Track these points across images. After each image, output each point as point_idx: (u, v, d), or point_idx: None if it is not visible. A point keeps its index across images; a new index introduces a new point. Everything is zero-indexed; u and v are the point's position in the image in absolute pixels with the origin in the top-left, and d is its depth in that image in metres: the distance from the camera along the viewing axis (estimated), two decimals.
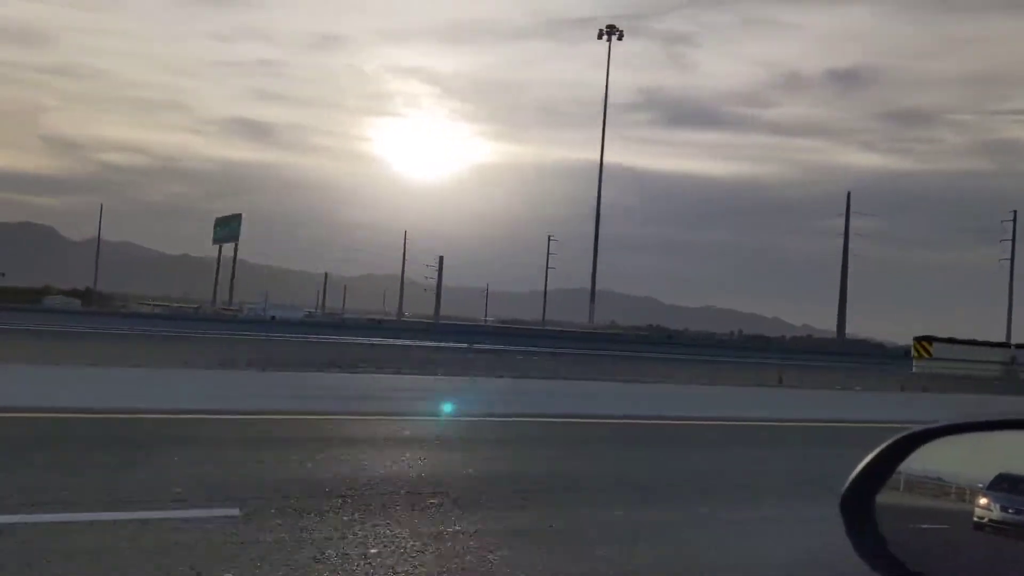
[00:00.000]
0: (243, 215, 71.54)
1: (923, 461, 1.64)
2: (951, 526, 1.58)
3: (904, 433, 1.66)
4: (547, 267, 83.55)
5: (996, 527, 1.51)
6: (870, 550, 1.59)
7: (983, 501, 1.53)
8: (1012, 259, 62.70)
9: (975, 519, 1.53)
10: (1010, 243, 62.97)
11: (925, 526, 1.64)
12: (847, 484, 1.63)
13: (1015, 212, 63.68)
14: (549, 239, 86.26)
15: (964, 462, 1.63)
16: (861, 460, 1.65)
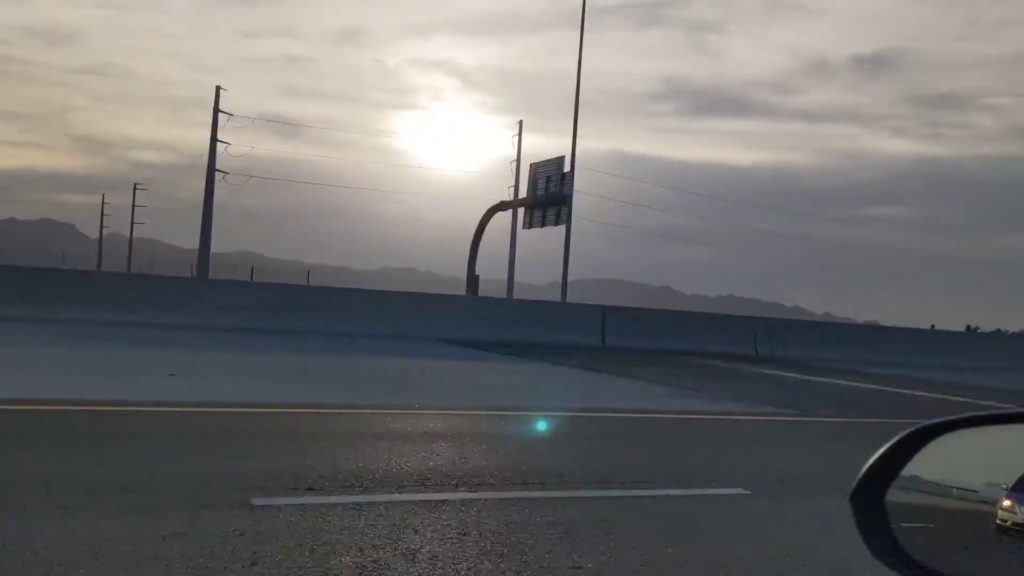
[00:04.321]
0: None
1: (937, 455, 1.57)
2: (970, 527, 1.52)
3: (918, 426, 1.59)
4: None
5: (1021, 530, 1.45)
6: (881, 546, 1.53)
7: (1007, 503, 1.46)
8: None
9: (998, 521, 1.46)
10: None
11: (942, 526, 1.58)
12: (858, 478, 1.57)
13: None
14: (135, 187, 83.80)
15: (978, 457, 1.56)
16: (873, 453, 1.59)
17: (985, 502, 1.48)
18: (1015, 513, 1.45)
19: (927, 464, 1.57)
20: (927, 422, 1.59)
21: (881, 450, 1.58)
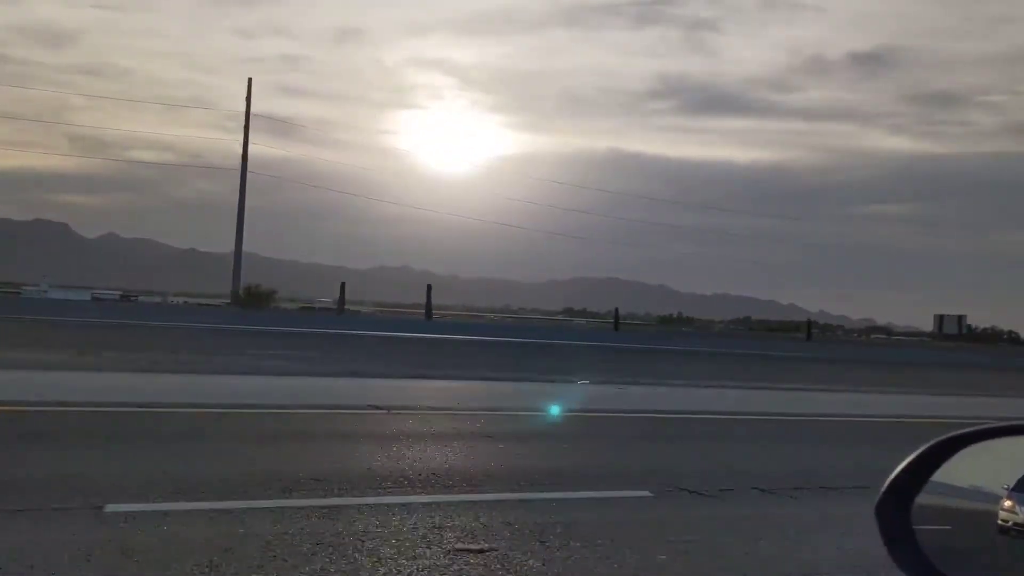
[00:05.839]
0: None
1: (962, 465, 1.55)
2: (977, 530, 1.51)
3: (943, 437, 1.58)
4: None
5: (1022, 531, 1.44)
6: (906, 557, 1.52)
7: (1008, 503, 1.45)
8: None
9: (999, 522, 1.45)
10: None
11: (952, 530, 1.57)
12: (883, 489, 1.56)
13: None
14: None
15: (1004, 467, 1.54)
16: (897, 464, 1.57)
17: (989, 503, 1.47)
18: (1016, 514, 1.44)
19: (954, 474, 1.56)
20: (954, 432, 1.58)
21: (907, 459, 1.57)
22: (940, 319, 58.09)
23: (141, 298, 75.58)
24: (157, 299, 78.82)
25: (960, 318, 57.53)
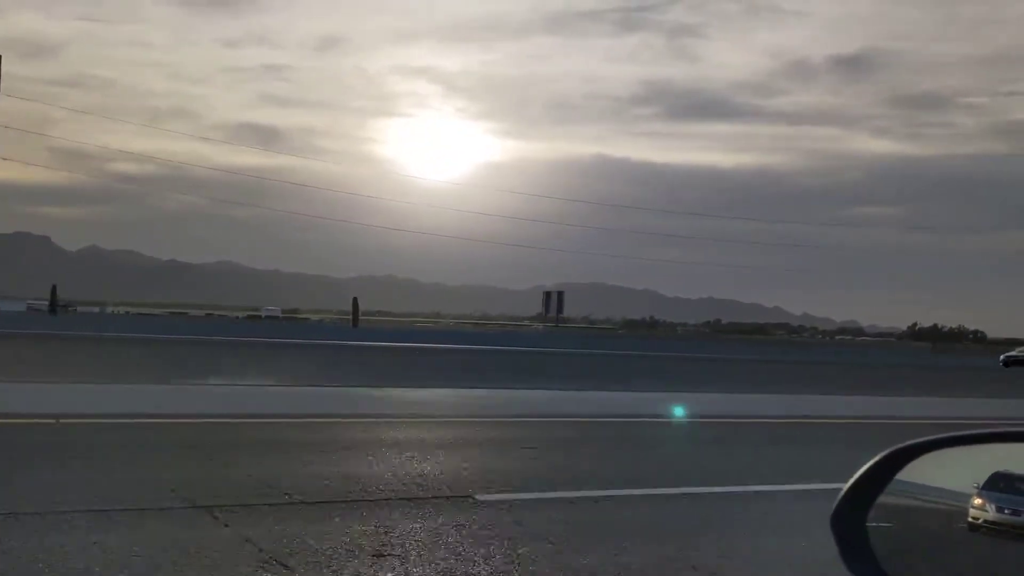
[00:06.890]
0: None
1: (916, 474, 1.56)
2: (944, 529, 1.52)
3: (897, 446, 1.59)
4: None
5: (991, 528, 1.46)
6: (861, 567, 1.52)
7: (978, 501, 1.47)
8: None
9: (969, 519, 1.47)
10: None
11: (917, 532, 1.58)
12: (838, 500, 1.56)
13: None
14: None
15: (958, 473, 1.55)
16: (853, 474, 1.58)
17: (958, 502, 1.49)
18: (986, 511, 1.46)
19: (908, 482, 1.57)
20: (908, 442, 1.59)
21: (862, 470, 1.57)
22: (547, 297, 56.32)
23: (80, 308, 76.77)
24: (96, 309, 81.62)
25: (559, 295, 55.77)
